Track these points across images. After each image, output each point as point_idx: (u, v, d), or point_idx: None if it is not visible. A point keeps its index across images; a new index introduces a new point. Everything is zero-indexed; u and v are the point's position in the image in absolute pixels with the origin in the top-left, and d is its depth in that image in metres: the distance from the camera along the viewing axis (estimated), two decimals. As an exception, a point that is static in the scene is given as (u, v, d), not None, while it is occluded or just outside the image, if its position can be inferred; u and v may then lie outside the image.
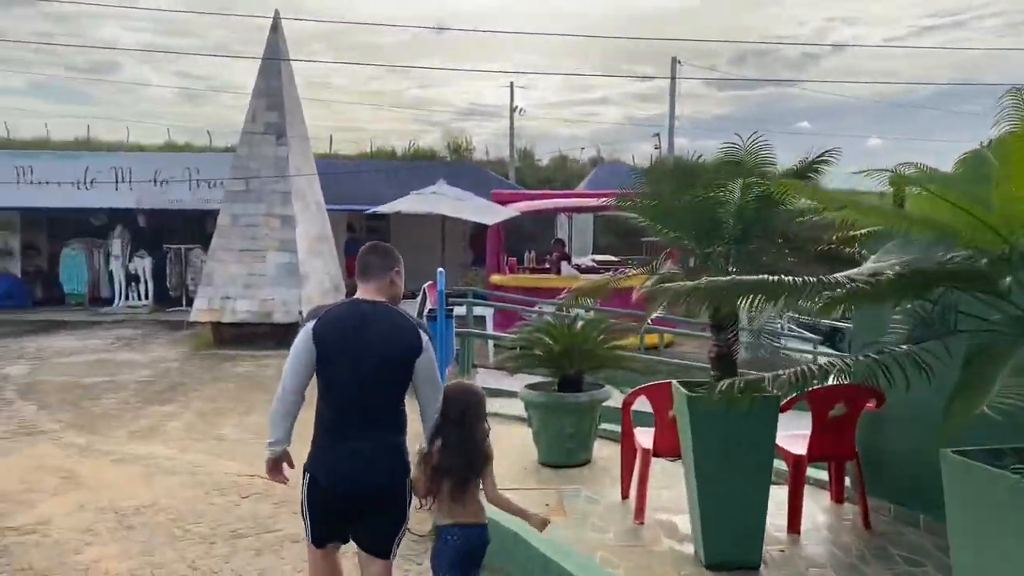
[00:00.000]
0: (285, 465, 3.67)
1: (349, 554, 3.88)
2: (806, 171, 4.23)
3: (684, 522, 5.01)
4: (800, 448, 5.10)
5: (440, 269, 10.05)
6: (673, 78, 24.64)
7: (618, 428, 7.06)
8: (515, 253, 16.47)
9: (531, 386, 6.70)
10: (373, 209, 15.75)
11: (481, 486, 3.65)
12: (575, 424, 6.33)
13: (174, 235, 18.90)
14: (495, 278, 14.87)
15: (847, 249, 4.47)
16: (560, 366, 6.47)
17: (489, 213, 14.48)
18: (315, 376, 3.54)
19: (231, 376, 11.93)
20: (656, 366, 7.91)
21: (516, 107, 32.89)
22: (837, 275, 2.99)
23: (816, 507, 5.53)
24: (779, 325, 11.23)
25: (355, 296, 3.69)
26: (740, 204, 4.31)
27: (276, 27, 15.36)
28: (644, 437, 5.43)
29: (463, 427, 3.57)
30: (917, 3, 72.02)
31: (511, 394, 9.67)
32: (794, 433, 5.23)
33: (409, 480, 3.58)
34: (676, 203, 4.27)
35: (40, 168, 18.06)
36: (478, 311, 12.98)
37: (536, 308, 12.25)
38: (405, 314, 3.63)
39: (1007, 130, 2.88)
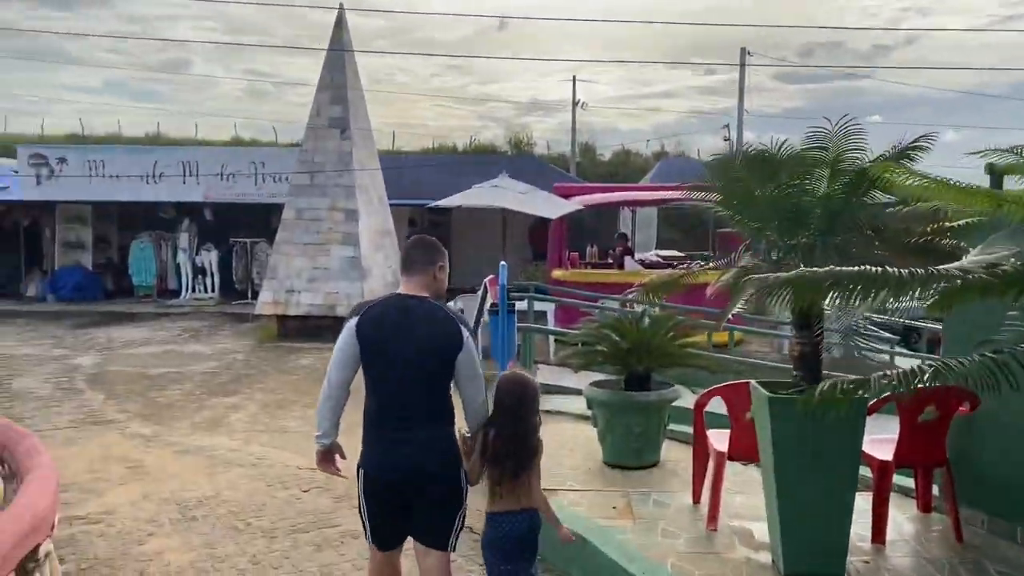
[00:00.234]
0: (337, 456, 3.71)
1: (410, 555, 3.76)
2: (899, 158, 3.93)
3: (760, 529, 4.75)
4: (886, 453, 4.79)
5: (502, 263, 9.88)
6: (743, 64, 24.00)
7: (687, 429, 6.80)
8: (577, 248, 16.24)
9: (596, 384, 6.48)
10: (435, 203, 15.70)
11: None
12: (643, 424, 6.10)
13: (240, 228, 19.14)
14: (556, 273, 14.66)
15: (942, 241, 4.16)
16: (627, 363, 6.24)
17: (551, 206, 14.26)
18: (362, 371, 3.58)
19: (295, 368, 11.99)
20: (726, 365, 7.59)
21: (578, 101, 32.65)
22: (947, 267, 2.71)
23: (901, 516, 5.21)
24: (854, 323, 10.74)
25: (399, 291, 3.70)
26: (827, 193, 4.04)
27: (340, 21, 15.42)
28: (718, 439, 5.18)
29: (518, 417, 3.60)
30: (996, -9, 69.33)
31: (573, 391, 9.47)
32: (879, 437, 4.92)
33: (462, 471, 3.60)
34: (759, 192, 4.01)
35: (111, 162, 18.47)
36: (539, 306, 12.78)
37: (599, 303, 12.06)
38: (447, 310, 3.64)
39: None
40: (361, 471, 3.61)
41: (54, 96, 62.23)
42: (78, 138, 29.91)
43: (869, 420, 4.45)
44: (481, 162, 22.16)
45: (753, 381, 4.45)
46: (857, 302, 2.89)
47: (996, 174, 4.45)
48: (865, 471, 4.81)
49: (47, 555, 3.14)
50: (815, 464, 4.10)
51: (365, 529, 3.67)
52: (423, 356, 3.50)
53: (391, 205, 16.82)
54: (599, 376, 7.44)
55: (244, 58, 69.07)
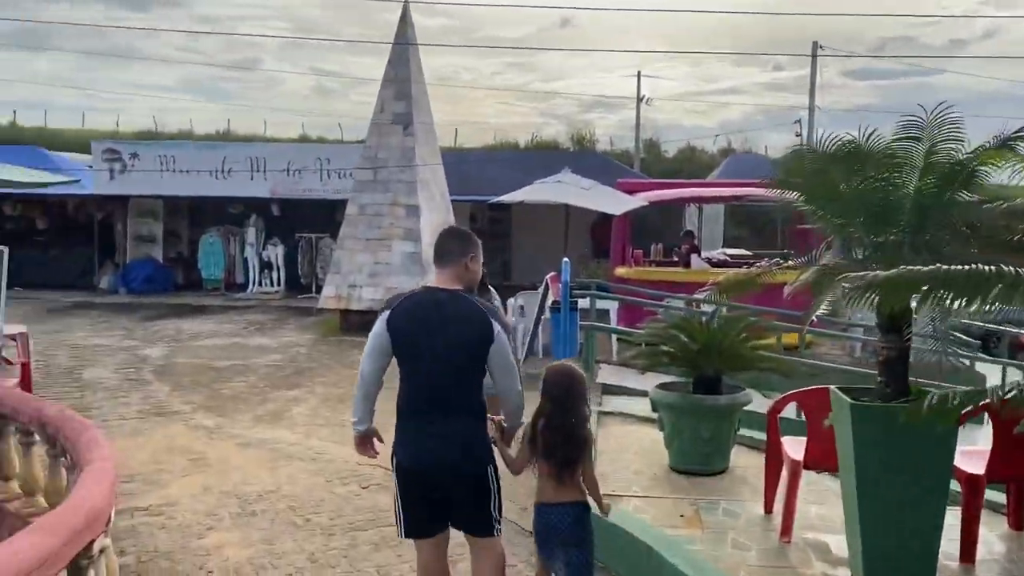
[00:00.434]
0: (375, 440, 3.87)
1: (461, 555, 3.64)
2: (1003, 147, 3.63)
3: (838, 543, 4.49)
4: (977, 467, 4.48)
5: (565, 260, 9.69)
6: (814, 56, 23.26)
7: (757, 434, 6.54)
8: (640, 245, 15.93)
9: (663, 386, 6.25)
10: (496, 199, 15.57)
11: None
12: (712, 429, 5.85)
13: (305, 224, 19.32)
14: (620, 271, 14.38)
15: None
16: (697, 365, 5.99)
17: (615, 202, 13.98)
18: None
19: (356, 363, 11.83)
20: (799, 368, 7.28)
21: (643, 96, 32.19)
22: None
23: (991, 534, 4.87)
24: (931, 327, 10.27)
25: (431, 283, 3.77)
26: (918, 187, 3.76)
27: (405, 16, 15.40)
28: (793, 447, 4.92)
29: (566, 408, 3.64)
30: (1083, -19, 66.15)
31: (636, 392, 9.24)
32: (969, 449, 4.61)
33: (492, 462, 3.66)
34: (844, 187, 3.75)
35: (182, 158, 18.82)
36: (601, 304, 12.54)
37: (664, 302, 11.77)
38: (479, 302, 3.68)
39: None
40: (395, 460, 3.70)
41: (129, 94, 64.19)
42: (151, 134, 30.70)
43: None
44: (543, 158, 21.96)
45: (833, 387, 4.19)
46: (962, 304, 2.63)
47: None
48: (953, 485, 4.51)
49: (102, 551, 3.09)
50: (901, 477, 3.83)
51: (398, 521, 3.74)
52: (453, 349, 3.56)
53: (452, 201, 16.76)
54: (665, 377, 7.21)
55: (311, 57, 70.17)
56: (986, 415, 5.04)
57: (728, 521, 5.12)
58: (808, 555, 4.59)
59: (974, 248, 3.93)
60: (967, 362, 10.63)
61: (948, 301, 2.63)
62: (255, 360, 11.88)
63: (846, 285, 2.95)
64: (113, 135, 29.46)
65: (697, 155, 33.48)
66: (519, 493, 4.89)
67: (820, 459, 4.68)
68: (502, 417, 3.77)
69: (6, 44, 58.05)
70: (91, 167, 19.22)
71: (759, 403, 6.57)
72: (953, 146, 3.74)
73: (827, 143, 3.75)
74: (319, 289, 16.05)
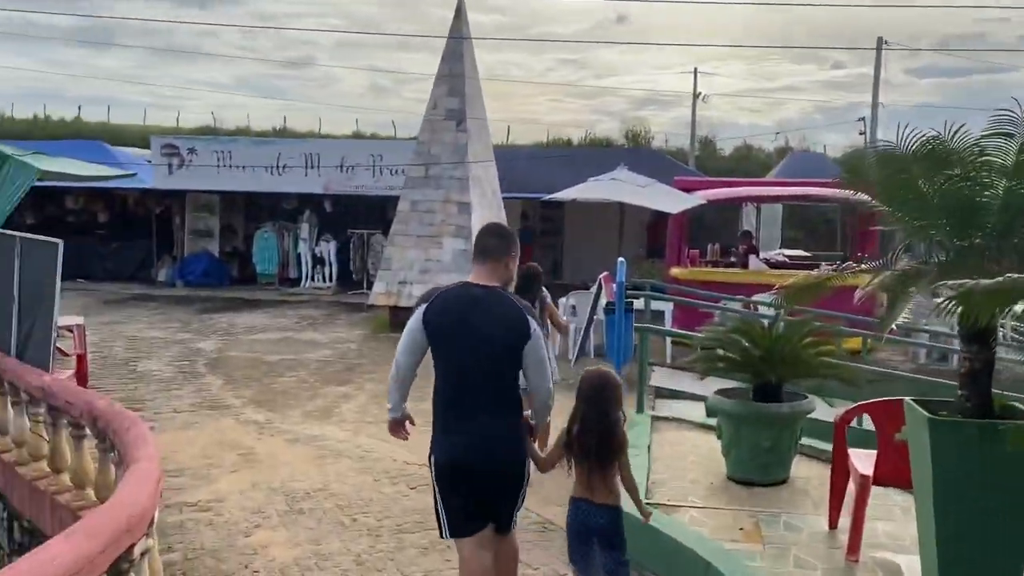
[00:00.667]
0: (407, 423, 3.92)
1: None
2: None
3: (911, 564, 4.24)
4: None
5: (621, 259, 9.47)
6: (879, 48, 22.50)
7: (818, 444, 6.27)
8: (696, 245, 15.60)
9: (722, 392, 6.00)
10: (549, 196, 15.39)
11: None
12: (773, 438, 5.60)
13: (357, 220, 19.39)
14: (675, 271, 14.08)
15: None
16: (759, 372, 5.74)
17: (672, 201, 13.68)
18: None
19: (405, 360, 11.91)
20: (863, 375, 6.96)
21: (699, 93, 31.68)
22: None
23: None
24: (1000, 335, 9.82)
25: (468, 279, 3.77)
26: (1009, 187, 3.49)
27: (459, 12, 15.30)
28: (861, 461, 4.65)
29: (600, 409, 3.68)
30: None
31: (689, 396, 8.99)
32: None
33: (527, 459, 3.71)
34: (927, 187, 3.50)
35: (238, 153, 19.02)
36: (656, 305, 12.28)
37: (721, 304, 11.47)
38: (515, 300, 3.72)
39: None
40: (432, 459, 3.70)
41: (190, 91, 65.51)
42: (210, 130, 31.18)
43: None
44: (597, 155, 21.70)
45: (908, 399, 3.93)
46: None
47: None
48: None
49: (143, 553, 3.01)
50: (986, 499, 3.56)
51: (439, 520, 3.72)
52: (489, 345, 3.57)
53: (503, 198, 16.62)
54: (722, 383, 6.96)
55: (366, 55, 70.79)
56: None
57: (790, 536, 4.88)
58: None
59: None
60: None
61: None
62: (306, 355, 11.90)
63: (948, 292, 2.70)
64: (173, 131, 30.04)
65: (753, 154, 32.88)
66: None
67: (891, 475, 4.42)
68: (529, 414, 3.80)
69: (73, 41, 59.73)
70: (150, 162, 19.55)
71: (823, 411, 6.30)
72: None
73: (909, 139, 3.50)
74: (370, 285, 16.05)
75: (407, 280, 14.51)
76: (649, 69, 67.67)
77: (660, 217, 15.44)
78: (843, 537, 4.71)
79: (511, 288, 3.85)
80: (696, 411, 8.00)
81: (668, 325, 11.90)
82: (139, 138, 26.10)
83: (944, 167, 3.53)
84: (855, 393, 6.36)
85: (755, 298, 11.41)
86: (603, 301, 10.60)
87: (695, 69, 32.83)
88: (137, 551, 2.86)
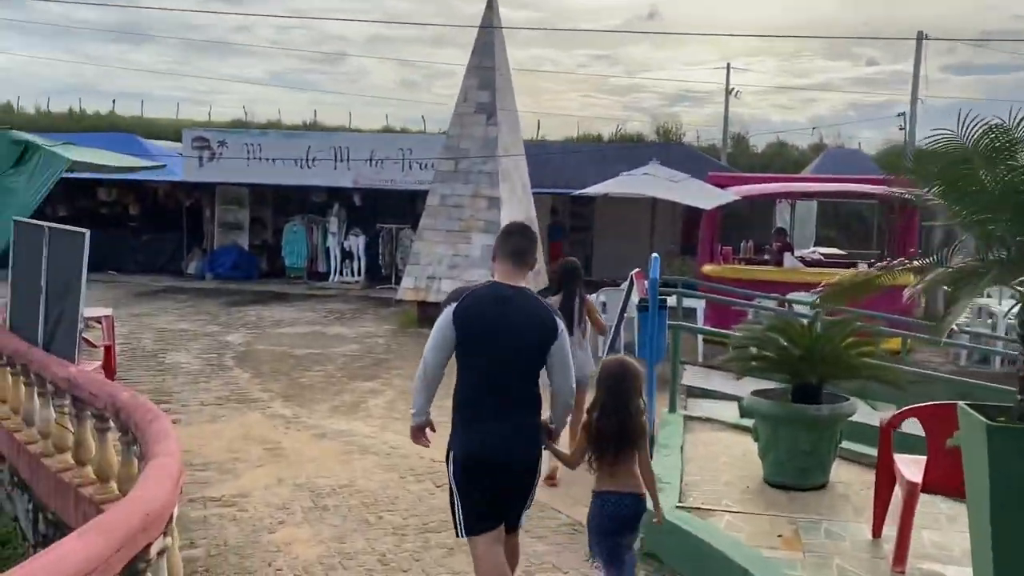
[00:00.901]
0: (428, 430, 3.89)
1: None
2: None
3: (961, 577, 4.03)
4: None
5: (654, 255, 9.26)
6: (919, 40, 21.97)
7: (858, 447, 6.06)
8: (728, 242, 15.34)
9: (759, 392, 5.80)
10: (580, 191, 15.20)
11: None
12: (812, 441, 5.39)
13: (386, 214, 19.32)
14: (707, 268, 13.83)
15: None
16: (798, 372, 5.53)
17: (706, 196, 13.44)
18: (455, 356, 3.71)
19: (432, 356, 11.80)
20: (905, 377, 6.71)
21: (732, 89, 31.27)
22: None
23: None
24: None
25: (496, 278, 3.80)
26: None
27: (491, 4, 15.14)
28: (908, 467, 4.44)
29: (619, 397, 3.73)
30: None
31: (723, 396, 8.78)
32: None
33: (540, 459, 3.77)
34: (988, 179, 3.29)
35: (268, 147, 19.03)
36: (687, 303, 12.06)
37: (755, 302, 11.23)
38: (542, 300, 3.81)
39: None
40: (451, 455, 3.71)
41: (223, 84, 66.07)
42: (241, 124, 31.31)
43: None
44: (629, 150, 21.46)
45: (963, 404, 3.72)
46: None
47: None
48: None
49: (161, 552, 2.90)
50: (1047, 510, 3.35)
51: (455, 520, 3.71)
52: (517, 345, 3.62)
53: (533, 193, 16.45)
54: (757, 383, 6.75)
55: (397, 50, 70.92)
56: None
57: (832, 544, 4.68)
58: (925, 588, 4.14)
59: None
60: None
61: None
62: (333, 349, 11.83)
63: (1020, 289, 2.51)
64: (205, 125, 30.20)
65: (787, 150, 32.38)
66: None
67: (941, 482, 4.21)
68: (548, 417, 3.83)
69: (108, 36, 60.39)
70: (181, 154, 19.62)
71: (865, 414, 6.08)
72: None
73: (970, 128, 3.29)
74: (399, 280, 15.97)
75: (435, 275, 14.39)
76: (680, 66, 67.08)
77: (693, 213, 15.19)
78: (887, 546, 4.52)
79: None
80: (728, 411, 7.79)
81: (700, 323, 11.68)
82: (172, 132, 26.27)
83: (1008, 158, 3.32)
84: (898, 396, 6.13)
85: (790, 296, 11.16)
86: (635, 298, 10.40)
87: (728, 64, 32.45)
88: (154, 550, 2.75)
